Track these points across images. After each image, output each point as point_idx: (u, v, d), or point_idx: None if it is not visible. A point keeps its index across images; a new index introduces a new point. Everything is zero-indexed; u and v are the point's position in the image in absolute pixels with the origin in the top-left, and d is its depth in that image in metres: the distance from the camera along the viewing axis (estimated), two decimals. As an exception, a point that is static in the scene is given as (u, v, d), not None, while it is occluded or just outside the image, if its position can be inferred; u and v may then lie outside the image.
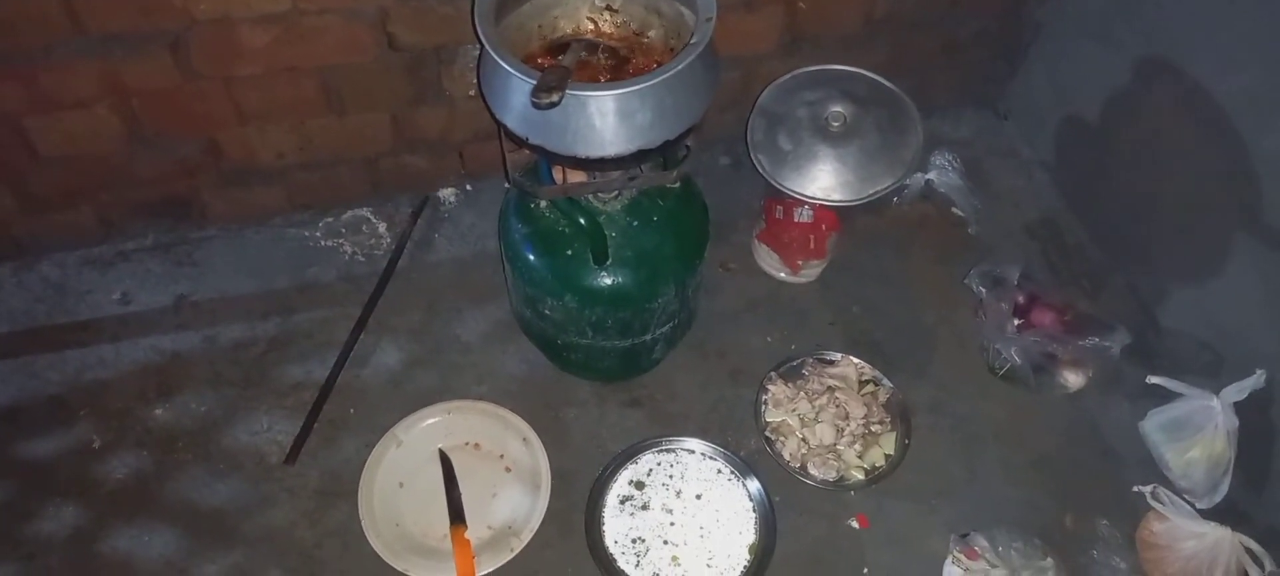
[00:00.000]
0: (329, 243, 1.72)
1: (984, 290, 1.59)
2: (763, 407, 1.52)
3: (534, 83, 1.05)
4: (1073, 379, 1.59)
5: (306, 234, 1.73)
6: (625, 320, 1.40)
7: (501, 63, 1.09)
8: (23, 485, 1.40)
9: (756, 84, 1.70)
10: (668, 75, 1.09)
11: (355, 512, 1.37)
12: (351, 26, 1.45)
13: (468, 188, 1.80)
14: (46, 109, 1.41)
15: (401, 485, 1.42)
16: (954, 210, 1.85)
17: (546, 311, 1.40)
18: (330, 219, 1.75)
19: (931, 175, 1.88)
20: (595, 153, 1.13)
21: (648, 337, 1.45)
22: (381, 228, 1.75)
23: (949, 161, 1.90)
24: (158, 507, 1.39)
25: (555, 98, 1.01)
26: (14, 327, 1.57)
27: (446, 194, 1.80)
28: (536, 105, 1.02)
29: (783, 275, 1.71)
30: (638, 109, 1.10)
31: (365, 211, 1.76)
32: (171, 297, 1.62)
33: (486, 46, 1.10)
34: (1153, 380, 1.47)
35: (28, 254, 1.63)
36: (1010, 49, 1.94)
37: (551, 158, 1.20)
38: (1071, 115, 1.84)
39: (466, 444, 1.47)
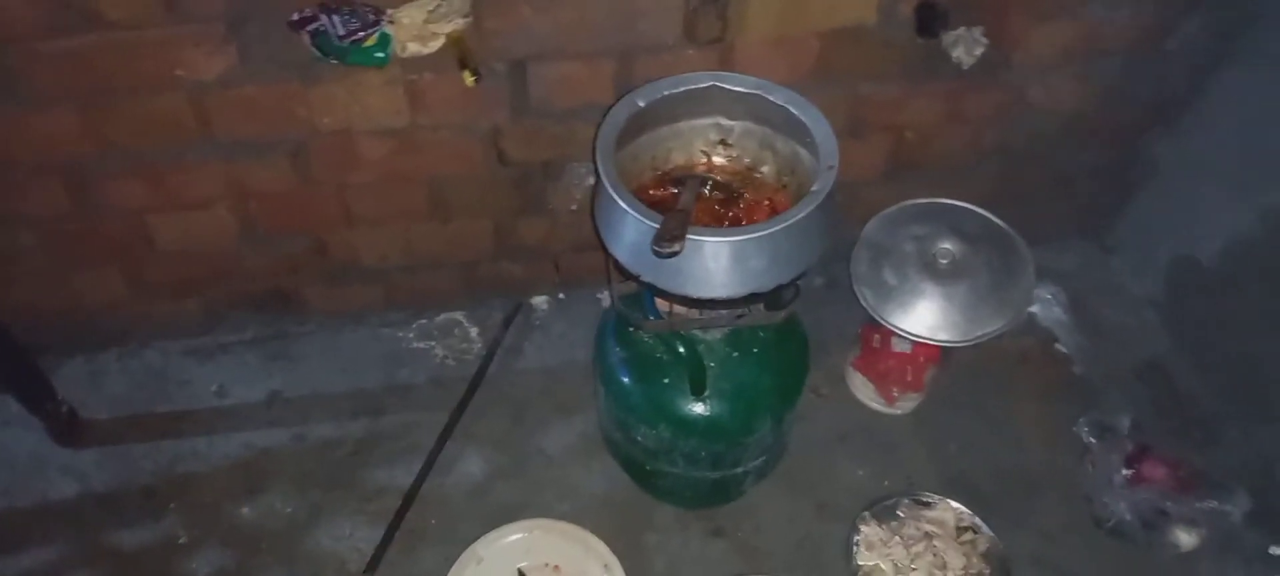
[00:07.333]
0: (421, 344, 1.73)
1: (1094, 439, 1.52)
2: (855, 549, 1.46)
3: (654, 227, 1.04)
4: (1186, 538, 1.49)
5: (400, 334, 1.74)
6: (719, 452, 1.36)
7: (619, 201, 1.08)
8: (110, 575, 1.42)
9: (857, 209, 1.66)
10: (786, 224, 1.07)
11: (432, 630, 1.34)
12: (464, 141, 1.47)
13: (561, 296, 1.80)
14: (169, 207, 1.46)
15: (479, 605, 1.39)
16: (1057, 346, 1.78)
17: (638, 437, 1.37)
18: (424, 320, 1.76)
19: (1035, 308, 1.82)
20: (706, 293, 1.11)
21: (739, 470, 1.41)
22: (473, 332, 1.75)
23: (1053, 295, 1.84)
24: (239, 610, 1.39)
25: (677, 248, 0.99)
26: (115, 414, 1.60)
27: (539, 301, 1.80)
28: (657, 254, 1.00)
29: (876, 405, 1.66)
30: (753, 254, 1.08)
31: (458, 315, 1.77)
32: (265, 393, 1.64)
33: (606, 184, 1.10)
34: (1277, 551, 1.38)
35: (134, 340, 1.67)
36: (1121, 183, 1.88)
37: (661, 294, 1.18)
38: (1185, 256, 1.76)
39: (546, 565, 1.43)
